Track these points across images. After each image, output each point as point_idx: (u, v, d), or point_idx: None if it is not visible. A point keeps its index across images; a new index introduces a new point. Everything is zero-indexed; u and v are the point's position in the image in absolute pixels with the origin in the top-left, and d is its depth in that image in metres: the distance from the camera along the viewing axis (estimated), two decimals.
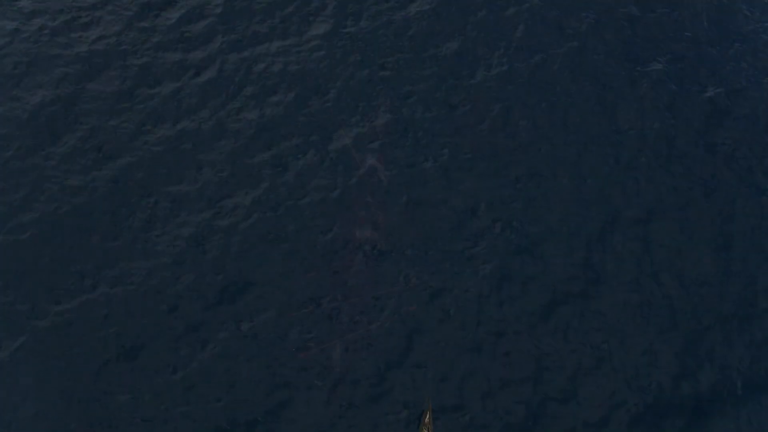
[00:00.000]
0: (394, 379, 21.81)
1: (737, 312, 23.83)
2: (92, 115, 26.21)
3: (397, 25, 29.20)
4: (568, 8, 30.10)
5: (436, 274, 23.66)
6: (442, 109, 27.00)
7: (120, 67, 27.43)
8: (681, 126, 27.36)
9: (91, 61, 27.50)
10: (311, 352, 21.71)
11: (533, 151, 26.31)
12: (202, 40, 28.35)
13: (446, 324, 22.78)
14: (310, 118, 26.55)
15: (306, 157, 25.65)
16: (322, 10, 29.38)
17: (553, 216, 25.01)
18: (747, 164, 26.79)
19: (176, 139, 25.86)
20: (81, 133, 25.79)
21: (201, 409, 21.13)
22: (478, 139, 26.48)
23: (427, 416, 20.79)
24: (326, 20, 29.16)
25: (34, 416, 20.89)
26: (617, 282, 23.91)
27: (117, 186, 24.76)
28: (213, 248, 23.74)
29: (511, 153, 26.18)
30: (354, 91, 27.27)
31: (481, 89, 27.58)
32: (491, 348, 22.48)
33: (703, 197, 25.83)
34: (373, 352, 22.20)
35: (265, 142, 25.98)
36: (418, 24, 29.21)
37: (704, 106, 27.95)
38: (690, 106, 27.92)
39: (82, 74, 27.17)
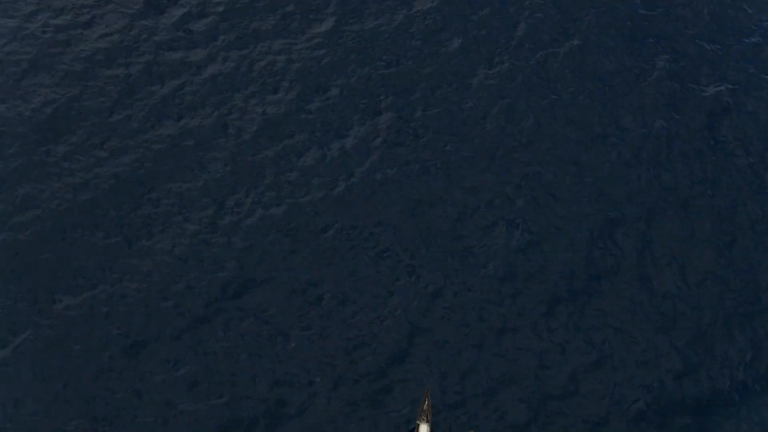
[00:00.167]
0: (395, 376, 21.78)
1: (740, 309, 23.75)
2: (94, 114, 26.27)
3: (400, 23, 29.23)
4: (569, 6, 30.15)
5: (438, 271, 23.63)
6: (444, 107, 27.01)
7: (122, 64, 27.53)
8: (683, 123, 27.35)
9: (94, 60, 27.59)
10: None
11: (535, 148, 26.28)
12: (205, 38, 28.42)
13: (448, 321, 22.72)
14: (312, 116, 26.58)
15: (308, 154, 25.67)
16: (324, 8, 29.43)
17: (555, 214, 24.97)
18: (749, 161, 26.77)
19: (179, 137, 25.89)
20: (84, 131, 25.85)
21: (203, 406, 21.08)
22: (480, 137, 26.48)
23: (426, 404, 20.83)
24: (328, 18, 29.21)
25: (37, 413, 20.87)
26: (619, 280, 23.84)
27: (120, 183, 24.81)
28: (215, 246, 23.74)
29: (513, 151, 26.17)
30: (356, 89, 27.27)
31: (483, 87, 27.60)
32: (493, 345, 22.42)
33: (705, 194, 25.79)
34: (374, 349, 22.17)
35: (267, 140, 25.98)
36: (420, 22, 29.24)
37: (706, 103, 27.93)
38: (692, 103, 27.90)
39: (84, 73, 27.26)
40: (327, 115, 26.61)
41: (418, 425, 20.43)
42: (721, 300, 23.82)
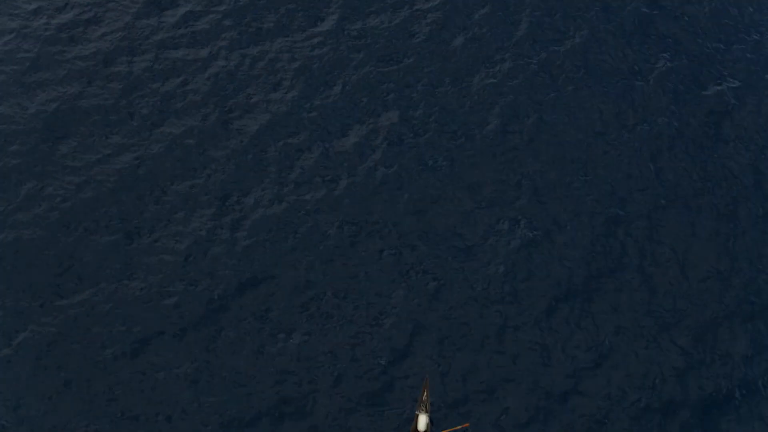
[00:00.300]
0: (397, 374, 21.78)
1: (742, 306, 23.61)
2: (96, 112, 26.37)
3: (402, 21, 29.27)
4: (572, 4, 30.14)
5: (440, 269, 23.62)
6: (447, 105, 27.03)
7: (125, 63, 27.65)
8: (685, 121, 27.31)
9: (96, 58, 27.71)
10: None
11: (538, 146, 26.29)
12: (207, 36, 28.51)
13: (450, 319, 22.72)
14: (314, 114, 26.61)
15: (310, 152, 25.70)
16: (327, 6, 29.51)
17: (557, 212, 24.94)
18: (751, 159, 26.68)
19: (181, 136, 25.98)
20: (86, 130, 25.95)
21: (205, 404, 21.09)
22: (482, 135, 26.48)
23: (425, 394, 20.88)
24: (330, 16, 29.28)
25: (39, 410, 20.90)
26: (621, 278, 23.79)
27: (122, 181, 24.88)
28: (217, 244, 23.80)
29: (516, 149, 26.18)
30: (358, 87, 27.32)
31: (485, 85, 27.63)
32: (494, 343, 22.41)
33: (707, 192, 25.73)
34: (376, 347, 22.18)
35: (270, 138, 26.04)
36: (422, 20, 29.29)
37: (708, 101, 27.89)
38: (694, 101, 27.87)
39: (87, 71, 27.37)
40: (329, 113, 26.68)
41: (417, 415, 20.45)
42: (724, 297, 23.73)
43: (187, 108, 26.54)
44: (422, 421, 20.25)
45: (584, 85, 27.84)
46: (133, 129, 25.94)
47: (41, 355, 21.68)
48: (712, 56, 28.96)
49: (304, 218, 24.33)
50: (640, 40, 29.22)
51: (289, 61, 27.88)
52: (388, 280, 23.28)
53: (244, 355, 21.82)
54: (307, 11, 29.39)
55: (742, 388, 22.13)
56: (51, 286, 22.82)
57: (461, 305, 22.94)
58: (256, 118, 26.41)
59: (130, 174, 25.01)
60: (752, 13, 30.62)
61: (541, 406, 21.40)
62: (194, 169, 25.20)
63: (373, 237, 24.13)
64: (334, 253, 23.70)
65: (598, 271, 23.86)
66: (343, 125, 26.42)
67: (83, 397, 21.06)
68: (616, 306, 23.26)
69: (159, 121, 26.23)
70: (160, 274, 23.09)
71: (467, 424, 20.83)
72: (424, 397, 20.70)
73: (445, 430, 20.78)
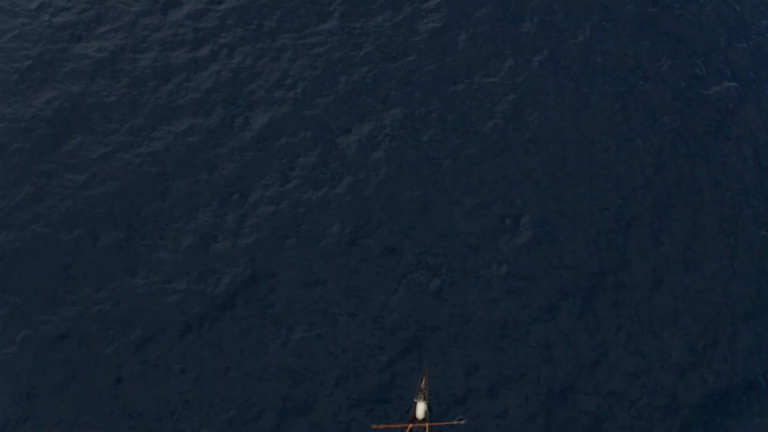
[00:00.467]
0: (399, 371, 21.88)
1: (745, 304, 23.56)
2: (99, 111, 26.47)
3: (405, 19, 29.30)
4: (576, 2, 30.08)
5: (442, 267, 23.66)
6: (450, 104, 27.07)
7: (128, 61, 27.77)
8: (689, 119, 27.25)
9: (99, 57, 27.81)
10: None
11: (541, 144, 26.29)
12: (209, 35, 28.59)
13: (452, 317, 22.77)
14: (317, 112, 26.67)
15: (313, 151, 25.75)
16: (330, 3, 29.55)
17: (560, 210, 24.95)
18: (755, 157, 26.55)
19: (184, 134, 26.07)
20: (89, 129, 26.04)
21: (208, 402, 21.23)
22: (486, 133, 26.48)
23: (423, 382, 20.92)
24: (333, 14, 29.33)
25: (45, 406, 21.09)
26: (624, 277, 23.77)
27: (125, 180, 24.97)
28: (221, 242, 23.89)
29: (519, 146, 26.20)
30: (361, 86, 27.36)
31: (489, 84, 27.66)
32: (497, 340, 22.48)
33: (711, 191, 25.68)
34: (379, 345, 22.26)
35: (272, 137, 26.08)
36: (425, 19, 29.32)
37: (712, 98, 27.84)
38: (698, 98, 27.80)
39: (88, 70, 27.48)
40: (332, 111, 26.70)
41: (416, 403, 20.67)
42: (727, 295, 23.72)
43: (189, 106, 26.62)
44: (420, 408, 20.53)
45: (587, 83, 27.83)
46: (136, 127, 26.04)
47: (46, 351, 21.81)
48: (714, 54, 28.90)
49: (306, 216, 24.39)
50: (643, 39, 29.18)
51: (292, 59, 27.94)
52: (390, 277, 23.33)
53: (246, 353, 21.93)
54: (311, 10, 29.40)
55: (744, 386, 22.16)
56: (54, 283, 22.92)
57: (463, 303, 23.00)
58: (259, 116, 26.47)
59: (133, 172, 25.10)
60: (755, 12, 30.52)
61: (542, 403, 21.52)
62: (197, 168, 25.25)
63: (376, 234, 24.18)
64: (336, 251, 23.75)
65: (600, 269, 23.85)
66: (345, 123, 26.44)
67: (87, 394, 21.21)
68: (619, 304, 23.26)
69: (162, 119, 26.32)
70: (163, 271, 23.18)
71: (462, 421, 20.91)
72: (423, 386, 20.81)
73: (441, 422, 20.91)
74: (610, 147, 26.35)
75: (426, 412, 20.52)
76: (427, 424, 20.41)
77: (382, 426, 20.46)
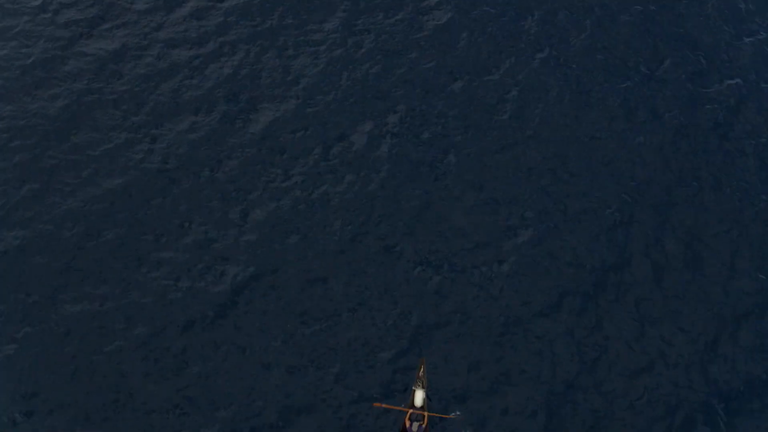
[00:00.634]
0: (401, 368, 21.86)
1: (748, 303, 23.43)
2: (102, 111, 26.45)
3: (408, 18, 29.24)
4: (578, 1, 30.03)
5: (444, 265, 23.60)
6: (453, 102, 27.00)
7: (131, 58, 27.77)
8: (692, 116, 27.13)
9: (101, 56, 27.83)
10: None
11: (544, 142, 26.19)
12: (212, 34, 28.57)
13: (454, 315, 22.71)
14: (320, 112, 26.62)
15: (316, 150, 25.70)
16: (333, 2, 29.51)
17: (563, 208, 24.85)
18: (757, 154, 26.43)
19: (187, 132, 26.09)
20: (92, 129, 26.05)
21: (209, 402, 21.24)
22: (490, 132, 26.40)
23: (421, 371, 21.06)
24: (336, 13, 29.27)
25: (45, 405, 21.11)
26: (627, 276, 23.64)
27: (127, 179, 24.95)
28: (224, 240, 23.87)
29: (522, 143, 26.10)
30: (365, 84, 27.26)
31: (491, 81, 27.57)
32: (498, 339, 22.44)
33: (714, 187, 25.57)
34: (382, 343, 22.25)
35: (275, 136, 26.05)
36: (428, 18, 29.26)
37: (716, 96, 27.70)
38: (702, 96, 27.65)
39: (92, 69, 27.48)
40: (335, 109, 26.65)
41: (414, 391, 20.77)
42: (729, 293, 23.62)
43: (192, 104, 26.62)
44: (419, 396, 20.65)
45: (589, 81, 27.74)
46: (138, 125, 26.06)
47: (48, 348, 21.82)
48: (716, 52, 28.81)
49: (308, 214, 24.37)
50: (644, 37, 29.08)
51: (295, 56, 27.93)
52: (391, 274, 23.31)
53: (248, 350, 21.93)
54: (312, 7, 29.36)
55: (746, 383, 22.08)
56: (57, 280, 22.92)
57: (464, 300, 22.97)
58: (261, 114, 26.45)
59: (136, 169, 25.11)
60: (758, 9, 30.34)
61: (543, 400, 21.49)
62: (200, 165, 25.24)
63: (377, 232, 24.16)
64: (338, 248, 23.74)
65: (602, 266, 23.77)
66: (347, 120, 26.41)
67: (90, 391, 21.24)
68: (621, 301, 23.20)
69: (164, 117, 26.34)
70: (165, 269, 23.19)
71: (457, 414, 21.05)
72: (421, 374, 20.92)
73: (436, 413, 21.05)
74: (611, 144, 26.27)
75: (424, 400, 20.62)
76: (426, 414, 20.52)
77: (384, 405, 20.61)
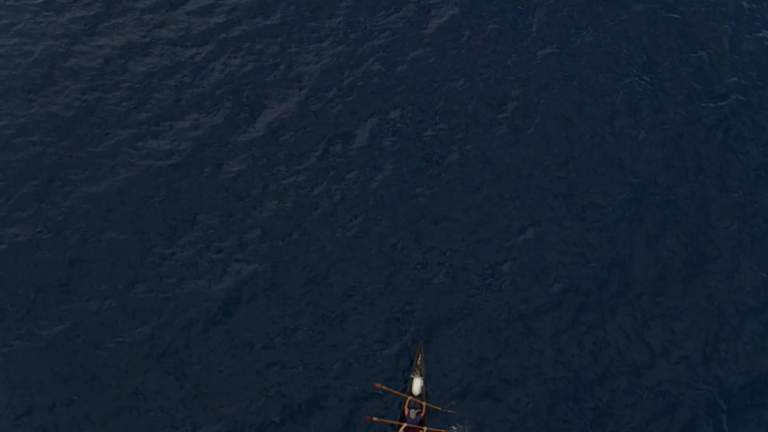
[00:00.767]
0: (404, 367, 21.87)
1: (751, 302, 23.41)
2: (106, 111, 26.54)
3: (411, 16, 29.31)
4: (581, 2, 30.05)
5: (448, 262, 23.61)
6: (455, 101, 27.03)
7: (134, 56, 27.87)
8: (695, 114, 27.12)
9: (103, 54, 27.93)
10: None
11: (547, 139, 26.22)
12: (215, 32, 28.63)
13: (458, 312, 22.73)
14: (323, 109, 26.66)
15: (319, 150, 25.74)
16: (335, 3, 29.62)
17: (566, 205, 24.85)
18: (761, 152, 26.45)
19: (191, 130, 26.15)
20: (95, 128, 26.13)
21: (212, 400, 21.32)
22: (492, 128, 26.45)
23: (419, 359, 21.13)
24: (340, 10, 29.38)
25: (47, 406, 21.26)
26: (629, 273, 23.62)
27: (130, 178, 25.04)
28: (224, 240, 23.95)
29: (525, 141, 26.13)
30: (368, 82, 27.33)
31: (494, 79, 27.63)
32: (501, 336, 22.46)
33: (717, 184, 25.54)
34: (385, 339, 22.29)
35: (279, 135, 26.10)
36: (431, 17, 29.33)
37: (719, 93, 27.66)
38: (705, 93, 27.64)
39: (95, 67, 27.57)
40: (337, 107, 26.71)
41: (412, 379, 20.85)
42: (733, 290, 23.60)
43: (195, 102, 26.71)
44: (417, 384, 20.73)
45: (592, 79, 27.81)
46: (141, 123, 26.14)
47: (51, 347, 21.95)
48: (720, 49, 28.80)
49: (310, 212, 24.46)
50: (648, 34, 29.07)
51: (297, 53, 28.02)
52: (394, 272, 23.38)
53: (250, 348, 22.02)
54: (315, 5, 29.43)
55: (750, 381, 22.08)
56: (59, 280, 23.02)
57: (467, 297, 23.01)
58: (264, 112, 26.54)
59: (139, 168, 25.21)
60: (760, 9, 30.34)
61: (544, 398, 21.53)
62: (203, 164, 25.34)
63: (380, 229, 24.22)
64: (340, 246, 23.81)
65: (605, 264, 23.79)
66: (350, 118, 26.47)
67: (91, 390, 21.35)
68: (624, 299, 23.21)
69: (168, 115, 26.44)
70: (168, 268, 23.29)
71: (452, 410, 21.13)
72: (419, 362, 20.97)
73: (434, 405, 21.11)
74: (614, 141, 26.29)
75: (422, 388, 20.70)
76: (424, 403, 20.60)
77: (384, 387, 20.65)
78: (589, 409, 21.35)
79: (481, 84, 27.37)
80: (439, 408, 20.88)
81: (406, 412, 20.50)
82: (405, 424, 20.38)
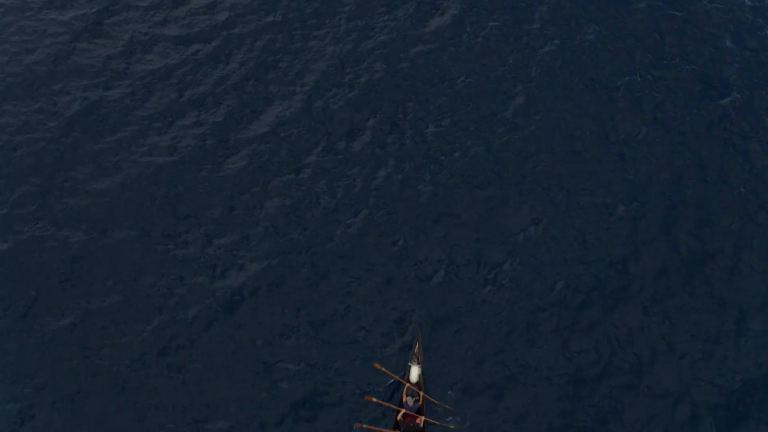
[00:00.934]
0: (406, 364, 21.82)
1: (754, 302, 23.31)
2: (107, 107, 26.60)
3: (414, 14, 29.35)
4: (584, 3, 30.08)
5: (451, 260, 23.59)
6: (458, 99, 27.04)
7: (136, 55, 27.94)
8: (698, 113, 27.07)
9: (106, 53, 27.99)
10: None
11: (550, 139, 26.19)
12: (217, 30, 28.67)
13: (461, 310, 22.69)
14: (326, 107, 26.69)
15: (321, 150, 25.74)
16: (337, 3, 29.68)
17: (567, 207, 24.81)
18: (764, 150, 26.38)
19: (194, 127, 26.21)
20: (99, 126, 26.20)
21: (214, 399, 21.25)
22: (494, 126, 26.44)
23: (417, 347, 21.12)
24: (343, 9, 29.43)
25: (48, 406, 21.22)
26: (632, 272, 23.59)
27: (132, 177, 25.07)
28: (227, 239, 23.96)
29: (528, 140, 26.12)
30: (371, 80, 27.36)
31: (497, 78, 27.62)
32: (504, 334, 22.41)
33: (721, 183, 25.50)
34: (388, 337, 22.21)
35: (282, 133, 26.12)
36: (433, 16, 29.34)
37: (721, 92, 27.63)
38: (708, 93, 27.58)
39: (97, 66, 27.64)
40: (340, 105, 26.73)
41: (410, 367, 20.81)
42: (736, 289, 23.53)
43: (198, 101, 26.75)
44: (414, 372, 20.68)
45: (596, 77, 27.81)
46: (144, 122, 26.22)
47: (51, 347, 21.92)
48: (723, 50, 28.81)
49: (314, 210, 24.46)
50: (651, 35, 29.09)
51: (301, 52, 28.06)
52: (396, 270, 23.35)
53: (252, 347, 21.98)
54: (317, 3, 29.49)
55: (753, 381, 22.01)
56: (62, 279, 23.03)
57: (470, 296, 22.97)
58: (267, 110, 26.57)
59: (142, 166, 25.24)
60: (764, 6, 30.36)
61: (546, 398, 21.44)
62: (206, 162, 25.35)
63: (383, 227, 24.20)
64: (343, 244, 23.79)
65: (608, 263, 23.73)
66: (353, 117, 26.51)
67: (92, 390, 21.30)
68: (626, 298, 23.15)
69: (170, 113, 26.49)
70: (170, 267, 23.27)
71: (450, 407, 21.10)
72: (416, 350, 20.99)
73: (431, 397, 21.09)
74: (618, 138, 26.24)
75: (420, 376, 20.65)
76: (422, 394, 20.59)
77: (383, 369, 20.62)
78: (589, 406, 21.29)
79: (482, 81, 27.40)
80: (437, 402, 20.86)
81: (404, 399, 20.50)
82: (403, 410, 20.40)
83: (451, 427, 20.67)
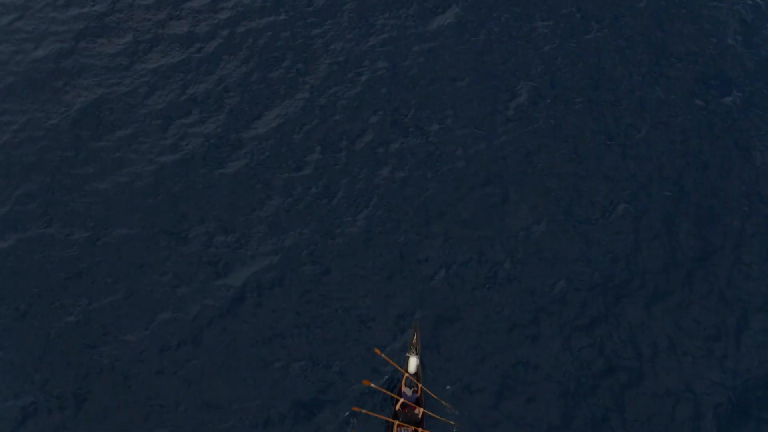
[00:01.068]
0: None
1: (755, 302, 23.23)
2: (110, 106, 26.63)
3: (417, 14, 29.37)
4: (587, 5, 30.04)
5: (453, 260, 23.58)
6: (460, 98, 27.06)
7: (139, 54, 28.00)
8: (700, 113, 27.03)
9: (108, 53, 28.06)
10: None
11: (553, 139, 26.16)
12: (220, 29, 28.72)
13: (463, 309, 22.68)
14: (329, 106, 26.69)
15: (323, 150, 25.74)
16: (338, 4, 29.73)
17: (568, 206, 24.75)
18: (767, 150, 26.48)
19: (196, 126, 26.24)
20: (101, 125, 26.22)
21: (215, 398, 21.28)
22: (497, 126, 26.42)
23: (415, 338, 21.10)
24: (345, 7, 29.47)
25: (48, 405, 21.18)
26: (633, 271, 23.53)
27: (134, 176, 25.07)
28: (229, 237, 23.96)
29: (531, 140, 26.08)
30: (374, 79, 27.39)
31: (500, 77, 27.64)
32: (505, 334, 22.36)
33: (724, 182, 25.39)
34: (389, 336, 22.19)
35: (285, 132, 26.14)
36: (436, 16, 29.38)
37: (724, 92, 27.59)
38: (710, 93, 27.54)
39: (99, 65, 27.69)
40: (343, 104, 26.76)
41: (408, 357, 20.77)
42: (738, 288, 23.47)
43: (200, 100, 26.79)
44: (412, 363, 20.66)
45: (598, 75, 27.80)
46: (146, 121, 26.26)
47: (53, 345, 21.93)
48: (726, 51, 28.78)
49: (316, 209, 24.46)
50: (654, 35, 29.07)
51: (303, 50, 28.08)
52: (398, 269, 23.36)
53: (253, 346, 21.97)
54: (320, 9, 29.52)
55: (756, 381, 21.95)
56: (64, 278, 23.04)
57: (472, 295, 22.95)
58: (270, 109, 26.62)
59: (144, 165, 25.26)
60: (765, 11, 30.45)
61: (547, 398, 21.41)
62: (209, 161, 25.38)
63: (385, 226, 24.20)
64: (345, 243, 23.79)
65: (610, 262, 23.69)
66: (354, 116, 26.52)
67: (92, 390, 21.30)
68: (628, 298, 23.10)
69: (173, 112, 26.52)
70: (172, 266, 23.27)
71: (448, 404, 21.12)
72: (414, 341, 20.97)
73: (429, 391, 21.08)
74: (620, 137, 26.22)
75: (418, 367, 20.63)
76: (420, 385, 20.55)
77: (383, 355, 20.62)
78: (591, 404, 21.25)
79: (485, 79, 27.42)
80: (435, 397, 20.85)
81: (402, 389, 20.51)
82: (402, 400, 20.41)
83: (450, 423, 20.64)
